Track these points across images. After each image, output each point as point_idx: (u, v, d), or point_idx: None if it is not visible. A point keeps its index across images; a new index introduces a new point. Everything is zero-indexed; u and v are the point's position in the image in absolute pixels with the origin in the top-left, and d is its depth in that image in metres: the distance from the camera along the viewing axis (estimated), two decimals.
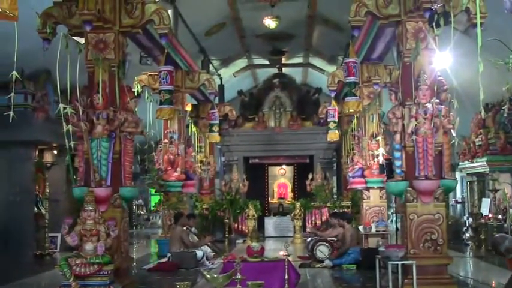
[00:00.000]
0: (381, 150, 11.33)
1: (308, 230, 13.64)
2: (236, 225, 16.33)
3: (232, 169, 19.08)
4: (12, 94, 6.50)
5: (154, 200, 24.76)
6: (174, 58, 12.12)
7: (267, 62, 20.55)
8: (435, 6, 6.47)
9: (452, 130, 7.52)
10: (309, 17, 15.87)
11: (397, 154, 7.63)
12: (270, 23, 15.32)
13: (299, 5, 14.86)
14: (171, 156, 12.73)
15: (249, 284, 5.66)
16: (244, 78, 22.61)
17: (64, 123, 7.19)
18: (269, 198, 21.68)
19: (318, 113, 17.34)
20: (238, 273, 5.67)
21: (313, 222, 16.36)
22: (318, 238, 11.05)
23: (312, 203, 16.66)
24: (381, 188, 12.05)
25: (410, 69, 7.55)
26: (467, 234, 14.23)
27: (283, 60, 20.24)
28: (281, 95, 19.93)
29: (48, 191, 13.61)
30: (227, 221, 15.90)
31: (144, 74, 12.99)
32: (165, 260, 10.85)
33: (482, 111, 9.65)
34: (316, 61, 20.54)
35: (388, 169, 8.22)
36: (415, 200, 7.43)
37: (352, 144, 13.83)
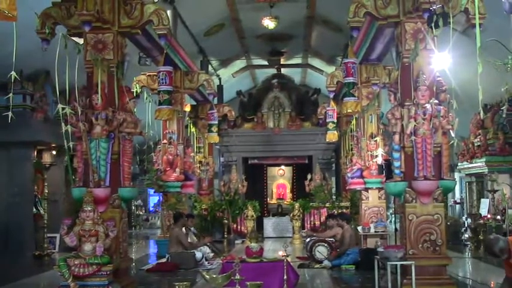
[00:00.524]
0: (380, 151, 11.33)
1: (303, 234, 13.63)
2: (235, 226, 16.32)
3: (231, 169, 19.08)
4: (11, 94, 6.48)
5: (153, 200, 24.82)
6: (173, 59, 12.13)
7: (266, 63, 20.55)
8: (434, 7, 6.47)
9: (451, 131, 7.53)
10: (308, 18, 15.88)
11: (396, 155, 7.63)
12: (269, 23, 15.33)
13: (298, 5, 14.86)
14: (170, 157, 12.73)
15: (248, 285, 5.65)
16: (243, 79, 22.62)
17: (63, 124, 7.19)
18: (268, 199, 21.70)
19: (316, 114, 17.35)
20: (237, 274, 5.67)
21: (311, 223, 16.36)
22: (317, 239, 11.04)
23: (311, 204, 16.65)
24: (379, 189, 12.06)
25: (409, 69, 7.55)
26: (466, 235, 14.24)
27: (282, 61, 20.25)
28: (280, 96, 19.94)
29: (47, 191, 13.61)
30: (226, 221, 15.86)
31: (143, 74, 13.00)
32: (164, 260, 10.85)
33: (481, 111, 9.65)
34: (315, 62, 20.54)
35: (387, 170, 8.22)
36: (414, 201, 7.44)
37: (351, 145, 13.84)
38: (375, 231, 11.13)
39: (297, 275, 8.19)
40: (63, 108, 7.16)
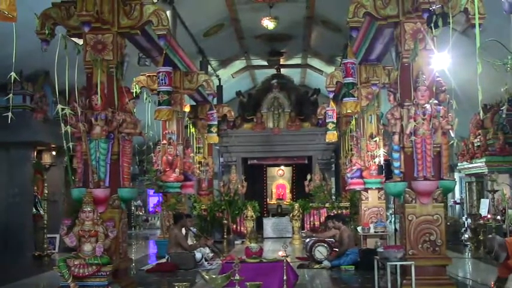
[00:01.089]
0: (382, 152, 11.33)
1: (303, 234, 13.61)
2: (235, 226, 16.32)
3: (230, 170, 19.05)
4: (10, 95, 6.49)
5: (153, 201, 24.80)
6: (173, 59, 12.13)
7: (265, 63, 20.57)
8: (433, 7, 6.48)
9: (450, 131, 7.53)
10: (307, 18, 15.88)
11: (396, 155, 7.63)
12: (269, 24, 15.33)
13: (297, 5, 14.87)
14: (170, 157, 12.73)
15: (247, 285, 5.66)
16: (242, 79, 22.62)
17: (62, 124, 7.20)
18: (268, 199, 21.67)
19: (316, 114, 17.35)
20: (236, 274, 5.67)
21: (311, 223, 16.36)
22: (317, 239, 11.04)
23: (311, 204, 16.64)
24: (379, 189, 12.06)
25: (409, 70, 7.55)
26: (466, 235, 14.24)
27: (282, 61, 20.27)
28: (279, 96, 19.92)
29: (46, 192, 13.60)
30: (226, 221, 15.89)
31: (142, 75, 13.01)
32: (163, 260, 10.85)
33: (481, 112, 9.66)
34: (314, 62, 20.56)
35: (386, 170, 8.22)
36: (413, 201, 7.44)
37: (351, 145, 13.84)
38: (375, 232, 11.13)
39: (296, 275, 8.19)
40: (62, 109, 7.17)
